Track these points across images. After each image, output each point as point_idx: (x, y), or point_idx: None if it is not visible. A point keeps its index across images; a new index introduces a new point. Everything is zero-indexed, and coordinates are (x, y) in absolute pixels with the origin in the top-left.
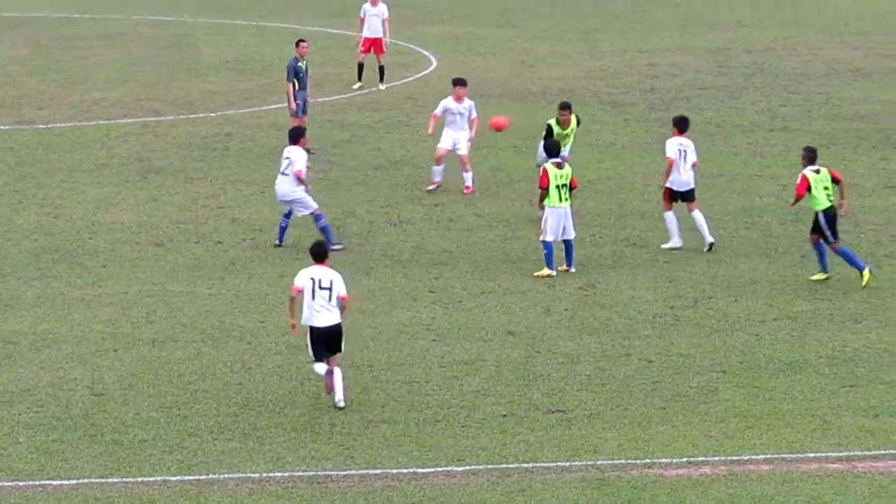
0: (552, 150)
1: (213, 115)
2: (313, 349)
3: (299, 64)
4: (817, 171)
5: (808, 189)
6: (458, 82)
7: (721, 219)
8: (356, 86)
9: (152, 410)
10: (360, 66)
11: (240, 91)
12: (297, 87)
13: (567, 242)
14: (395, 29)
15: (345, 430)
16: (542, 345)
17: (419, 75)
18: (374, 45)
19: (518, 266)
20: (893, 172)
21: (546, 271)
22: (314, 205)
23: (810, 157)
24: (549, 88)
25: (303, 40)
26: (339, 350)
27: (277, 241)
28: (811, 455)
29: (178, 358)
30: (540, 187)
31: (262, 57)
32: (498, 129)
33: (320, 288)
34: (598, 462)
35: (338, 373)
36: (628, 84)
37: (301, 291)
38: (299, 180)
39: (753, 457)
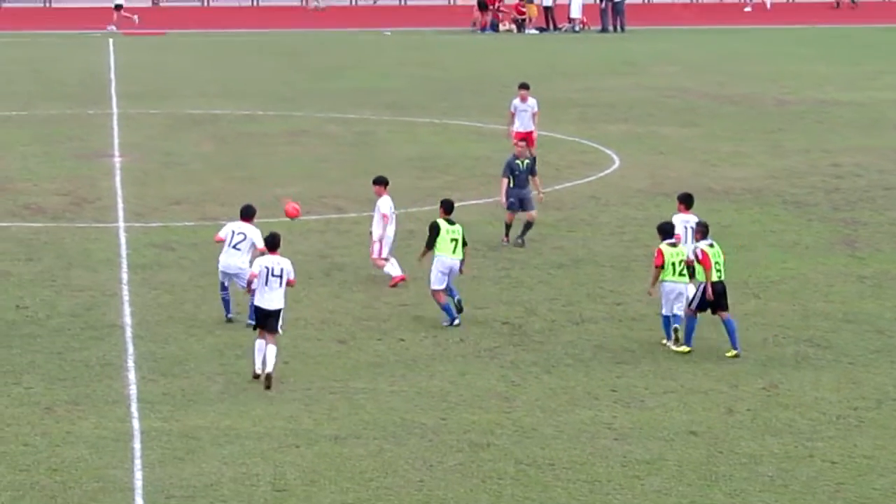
0: (667, 231)
1: (395, 212)
2: (256, 323)
3: (516, 161)
4: (711, 245)
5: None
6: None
7: None
8: None
9: None
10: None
11: (422, 189)
12: (510, 184)
13: (676, 317)
14: (579, 128)
15: None
16: (724, 445)
17: (601, 174)
18: (525, 138)
19: (700, 366)
20: None
21: (665, 341)
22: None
23: (697, 230)
24: (732, 188)
25: (520, 140)
26: (277, 331)
27: (227, 315)
28: None
29: (360, 454)
30: (655, 266)
31: (444, 154)
32: (290, 215)
33: (272, 275)
34: None
35: (272, 349)
36: (812, 184)
37: (256, 277)
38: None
39: None
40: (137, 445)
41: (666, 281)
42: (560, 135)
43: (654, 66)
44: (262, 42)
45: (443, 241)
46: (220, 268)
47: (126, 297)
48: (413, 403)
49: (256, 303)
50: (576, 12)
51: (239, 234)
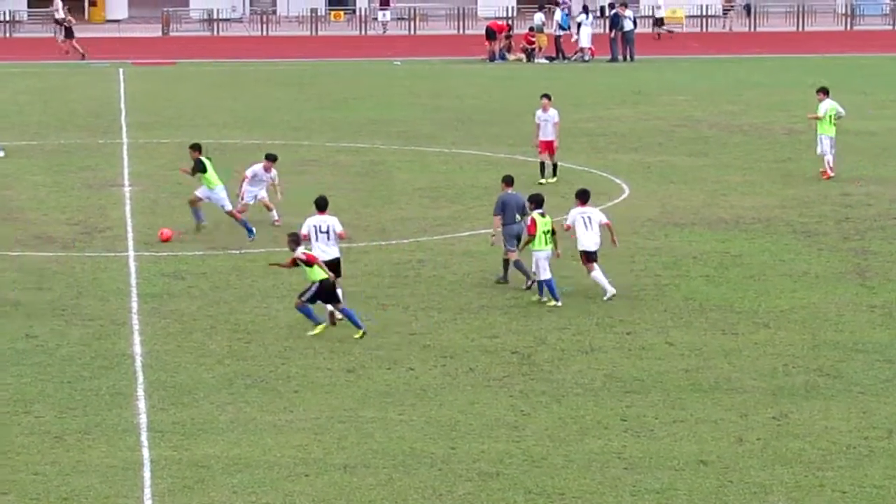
0: (538, 201)
1: (405, 241)
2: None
3: None
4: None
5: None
6: (269, 157)
7: None
8: (541, 181)
9: None
10: (542, 165)
11: (432, 218)
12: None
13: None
14: (588, 157)
15: None
16: (734, 474)
17: (611, 203)
18: (547, 146)
19: (710, 395)
20: None
21: (553, 302)
22: None
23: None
24: (742, 217)
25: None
26: (339, 276)
27: None
28: None
29: (370, 484)
30: (528, 234)
31: (454, 184)
32: (164, 239)
33: (320, 232)
34: None
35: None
36: (822, 213)
37: (306, 237)
38: None
39: None
40: (147, 474)
41: (537, 250)
42: (570, 164)
43: (663, 95)
44: (271, 72)
45: (211, 176)
46: None
47: (136, 327)
48: (422, 433)
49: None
50: (585, 42)
51: None
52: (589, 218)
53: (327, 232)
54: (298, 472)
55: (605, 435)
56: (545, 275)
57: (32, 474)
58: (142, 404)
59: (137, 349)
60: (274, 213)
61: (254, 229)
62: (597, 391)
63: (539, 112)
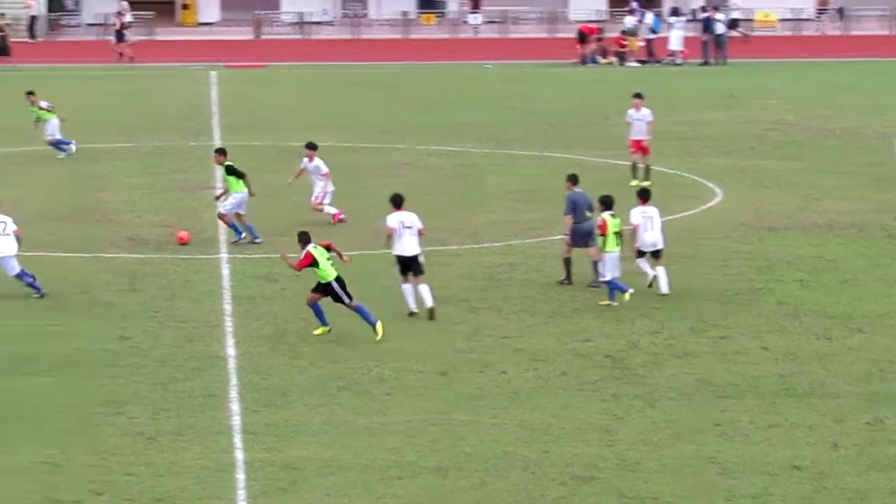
0: (608, 202)
1: (497, 245)
2: (401, 271)
3: None
4: (327, 250)
5: (316, 264)
6: (309, 146)
7: None
8: (633, 183)
9: None
10: (634, 167)
11: (524, 221)
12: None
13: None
14: (681, 161)
15: None
16: (829, 480)
17: (704, 207)
18: (639, 146)
19: (805, 400)
20: None
21: (627, 296)
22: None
23: (304, 239)
24: (836, 222)
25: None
26: (423, 272)
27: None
28: None
29: (462, 487)
30: (601, 234)
31: (545, 187)
32: (182, 242)
33: (405, 227)
34: None
35: (425, 287)
36: None
37: (394, 230)
38: None
39: None
40: (241, 476)
41: (608, 251)
42: (662, 168)
43: (755, 99)
44: (361, 74)
45: (238, 181)
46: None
47: (229, 329)
48: (515, 436)
49: (396, 252)
50: (675, 44)
51: (1, 222)
52: (651, 218)
53: (411, 227)
54: (391, 474)
55: (699, 439)
56: (614, 274)
57: (126, 475)
58: (235, 406)
59: (230, 351)
60: (329, 208)
61: (244, 234)
62: (690, 395)
63: (631, 111)
